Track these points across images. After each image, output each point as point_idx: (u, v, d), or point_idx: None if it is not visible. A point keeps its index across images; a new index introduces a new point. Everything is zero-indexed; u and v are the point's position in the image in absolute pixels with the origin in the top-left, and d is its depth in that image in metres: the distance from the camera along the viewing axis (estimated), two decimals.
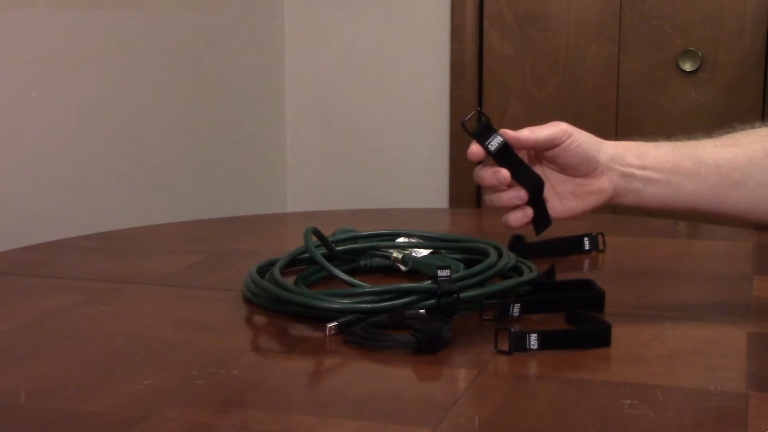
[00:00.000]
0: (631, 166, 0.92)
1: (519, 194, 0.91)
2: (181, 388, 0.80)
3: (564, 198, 0.94)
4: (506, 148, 0.90)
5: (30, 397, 0.78)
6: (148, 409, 0.75)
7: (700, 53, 2.40)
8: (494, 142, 0.90)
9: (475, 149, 0.90)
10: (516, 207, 0.91)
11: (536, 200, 0.92)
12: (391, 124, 2.65)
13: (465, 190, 2.61)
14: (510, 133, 0.92)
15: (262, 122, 2.62)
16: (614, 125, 2.49)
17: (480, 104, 2.58)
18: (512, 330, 0.87)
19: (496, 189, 0.91)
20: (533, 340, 0.86)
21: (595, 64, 2.49)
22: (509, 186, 0.91)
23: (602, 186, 0.92)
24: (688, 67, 2.41)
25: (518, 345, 0.86)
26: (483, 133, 0.91)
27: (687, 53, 2.41)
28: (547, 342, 0.86)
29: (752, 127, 0.97)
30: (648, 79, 2.46)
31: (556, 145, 0.91)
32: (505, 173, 0.90)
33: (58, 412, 0.75)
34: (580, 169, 0.92)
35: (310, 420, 0.74)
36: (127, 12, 2.03)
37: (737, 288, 1.11)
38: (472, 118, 0.91)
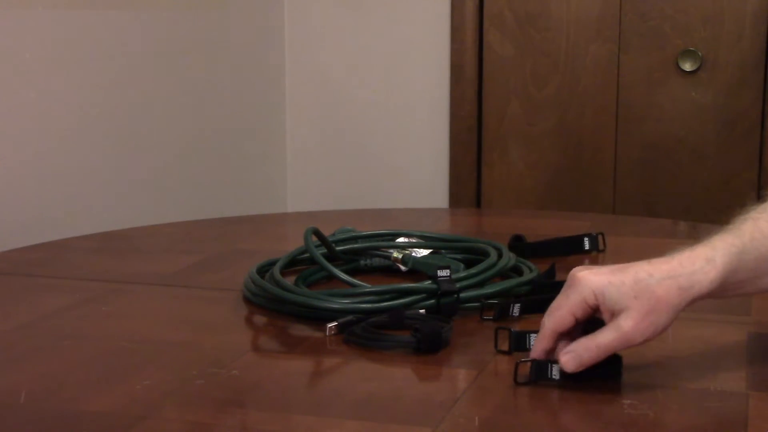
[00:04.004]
0: (712, 296, 0.82)
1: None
2: (181, 388, 0.80)
3: None
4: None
5: (30, 397, 0.78)
6: (148, 409, 0.75)
7: (700, 53, 2.40)
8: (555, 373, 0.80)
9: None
10: None
11: None
12: (391, 124, 2.65)
13: (465, 190, 2.61)
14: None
15: (262, 122, 2.62)
16: (614, 125, 2.49)
17: (480, 104, 2.59)
18: (512, 330, 0.87)
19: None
20: (533, 340, 0.86)
21: (595, 64, 2.49)
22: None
23: None
24: (688, 67, 2.41)
25: (518, 345, 0.86)
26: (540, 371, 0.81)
27: (687, 53, 2.41)
28: None
29: None
30: (648, 79, 2.46)
31: None
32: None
33: (58, 412, 0.75)
34: None
35: (310, 420, 0.74)
36: (127, 12, 2.03)
37: None
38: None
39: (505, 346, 0.86)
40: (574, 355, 0.78)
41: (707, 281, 0.78)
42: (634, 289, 0.77)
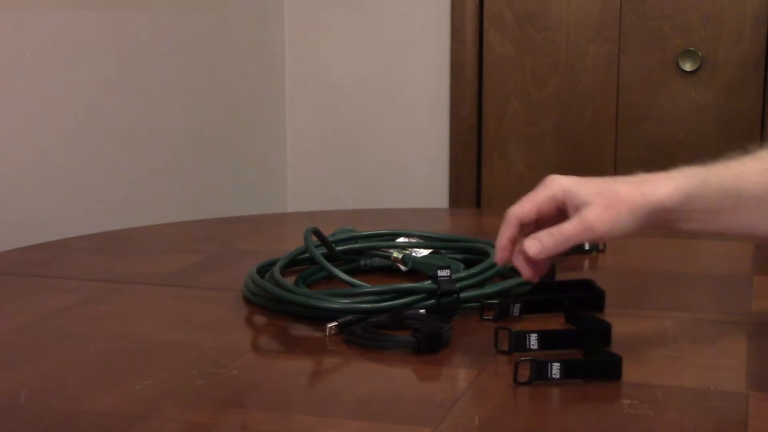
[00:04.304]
0: (669, 220, 0.85)
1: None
2: (181, 388, 0.80)
3: None
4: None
5: (30, 397, 0.78)
6: (148, 409, 0.75)
7: (700, 53, 2.40)
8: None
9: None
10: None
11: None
12: (391, 124, 2.65)
13: (465, 190, 2.61)
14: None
15: (262, 122, 2.62)
16: (614, 125, 2.49)
17: (480, 104, 2.59)
18: (512, 330, 0.87)
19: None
20: (533, 340, 0.86)
21: (595, 64, 2.49)
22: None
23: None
24: (688, 67, 2.41)
25: (518, 345, 0.86)
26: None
27: (687, 53, 2.41)
28: (547, 342, 0.86)
29: None
30: (648, 79, 2.46)
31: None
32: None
33: (58, 412, 0.75)
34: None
35: (310, 420, 0.74)
36: (126, 12, 2.03)
37: (737, 288, 1.11)
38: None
39: (505, 346, 0.86)
40: (536, 240, 0.82)
41: (665, 191, 0.83)
42: (598, 187, 0.83)
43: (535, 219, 0.85)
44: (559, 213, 0.84)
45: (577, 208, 0.82)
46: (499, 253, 0.86)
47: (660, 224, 0.85)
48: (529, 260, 0.84)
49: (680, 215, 0.84)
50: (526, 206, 0.85)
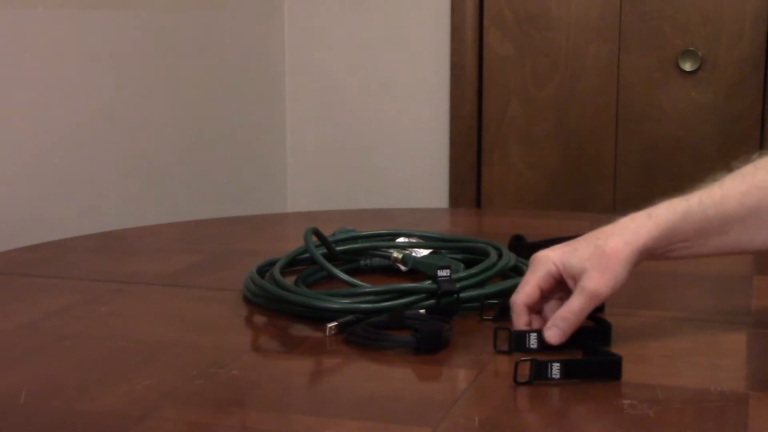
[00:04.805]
0: (656, 254, 0.89)
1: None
2: (181, 388, 0.80)
3: None
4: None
5: (30, 397, 0.78)
6: (148, 409, 0.75)
7: (700, 53, 2.40)
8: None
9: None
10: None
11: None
12: (391, 124, 2.65)
13: (465, 190, 2.61)
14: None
15: (262, 122, 2.62)
16: (614, 125, 2.49)
17: (480, 104, 2.59)
18: (512, 330, 0.87)
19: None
20: (533, 340, 0.86)
21: (595, 64, 2.49)
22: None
23: None
24: (688, 67, 2.41)
25: (518, 345, 0.86)
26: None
27: (687, 53, 2.41)
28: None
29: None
30: (648, 79, 2.46)
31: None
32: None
33: (58, 412, 0.75)
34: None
35: (310, 420, 0.74)
36: (126, 12, 2.03)
37: (737, 288, 1.11)
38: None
39: (504, 346, 0.86)
40: (554, 329, 0.85)
41: (648, 234, 0.86)
42: (587, 252, 0.86)
43: (539, 298, 0.89)
44: (557, 284, 0.88)
45: (575, 278, 0.86)
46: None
47: (650, 259, 0.89)
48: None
49: (667, 249, 0.89)
50: (528, 291, 0.88)
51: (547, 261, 0.88)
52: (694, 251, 0.89)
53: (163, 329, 0.97)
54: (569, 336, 0.85)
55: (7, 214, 1.75)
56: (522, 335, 0.86)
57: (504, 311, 0.96)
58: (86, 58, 1.92)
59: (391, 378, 0.83)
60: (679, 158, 2.43)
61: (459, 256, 1.15)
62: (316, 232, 1.08)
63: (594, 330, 0.89)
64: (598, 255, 0.86)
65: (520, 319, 0.88)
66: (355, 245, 1.15)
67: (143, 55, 2.09)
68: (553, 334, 0.85)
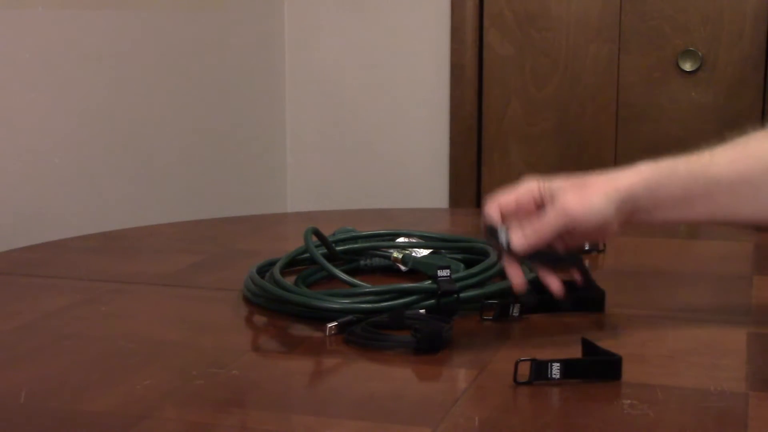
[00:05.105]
0: (643, 210, 0.90)
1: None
2: (181, 388, 0.80)
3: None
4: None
5: (30, 397, 0.78)
6: (148, 409, 0.75)
7: (700, 53, 2.40)
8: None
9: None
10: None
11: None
12: (391, 124, 2.65)
13: (465, 190, 2.61)
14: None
15: (262, 122, 2.62)
16: (614, 125, 2.49)
17: (480, 104, 2.59)
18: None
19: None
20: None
21: (595, 64, 2.49)
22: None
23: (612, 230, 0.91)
24: (688, 67, 2.41)
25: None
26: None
27: (687, 53, 2.41)
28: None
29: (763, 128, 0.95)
30: (648, 79, 2.46)
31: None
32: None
33: (58, 412, 0.75)
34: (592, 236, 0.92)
35: (310, 420, 0.74)
36: (126, 12, 2.03)
37: (737, 288, 1.11)
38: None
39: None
40: (520, 232, 0.88)
41: (631, 179, 0.89)
42: (569, 179, 0.90)
43: (514, 210, 0.91)
44: (537, 209, 0.90)
45: (552, 198, 0.88)
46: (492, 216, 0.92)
47: (635, 213, 0.89)
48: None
49: (650, 203, 0.89)
50: (504, 198, 0.91)
51: (530, 181, 0.90)
52: (679, 213, 0.90)
53: (163, 329, 0.97)
54: (533, 247, 0.87)
55: (7, 214, 1.75)
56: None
57: (504, 311, 0.96)
58: (86, 58, 1.92)
59: (391, 378, 0.83)
60: None
61: (459, 256, 1.15)
62: (316, 232, 1.08)
63: (578, 297, 0.93)
64: (579, 183, 0.89)
65: (492, 213, 0.91)
66: (355, 245, 1.15)
67: (143, 55, 2.09)
68: (518, 236, 0.88)
